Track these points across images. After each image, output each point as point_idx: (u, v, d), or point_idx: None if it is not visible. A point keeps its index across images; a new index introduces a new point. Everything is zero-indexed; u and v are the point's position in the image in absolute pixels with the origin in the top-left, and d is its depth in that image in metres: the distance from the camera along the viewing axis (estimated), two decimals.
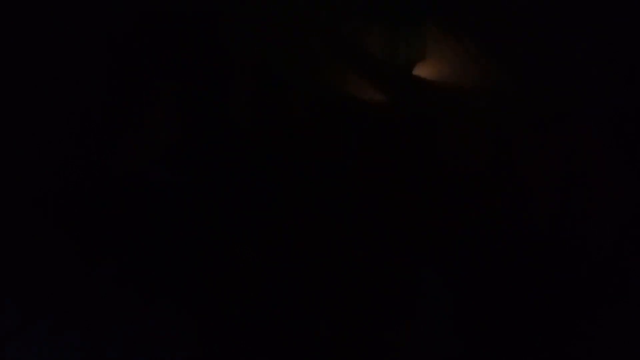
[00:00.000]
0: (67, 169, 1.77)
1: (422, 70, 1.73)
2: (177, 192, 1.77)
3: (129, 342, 1.66)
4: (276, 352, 1.69)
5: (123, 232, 1.75)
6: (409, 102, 1.75)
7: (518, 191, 1.74)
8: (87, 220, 1.76)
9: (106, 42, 1.79)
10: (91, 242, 1.75)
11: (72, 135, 1.78)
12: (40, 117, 1.77)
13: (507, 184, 1.74)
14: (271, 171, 1.77)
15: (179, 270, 1.74)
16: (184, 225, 1.76)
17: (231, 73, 1.80)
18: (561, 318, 1.69)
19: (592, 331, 1.67)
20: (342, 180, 1.76)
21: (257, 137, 1.78)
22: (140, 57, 1.80)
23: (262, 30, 1.78)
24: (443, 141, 1.75)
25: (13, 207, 1.74)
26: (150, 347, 1.66)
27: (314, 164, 1.76)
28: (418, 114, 1.74)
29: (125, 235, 1.75)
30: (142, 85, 1.80)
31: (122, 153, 1.78)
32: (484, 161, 1.75)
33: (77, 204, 1.76)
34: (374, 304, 1.72)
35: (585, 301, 1.69)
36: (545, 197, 1.73)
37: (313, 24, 1.76)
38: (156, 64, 1.80)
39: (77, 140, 1.79)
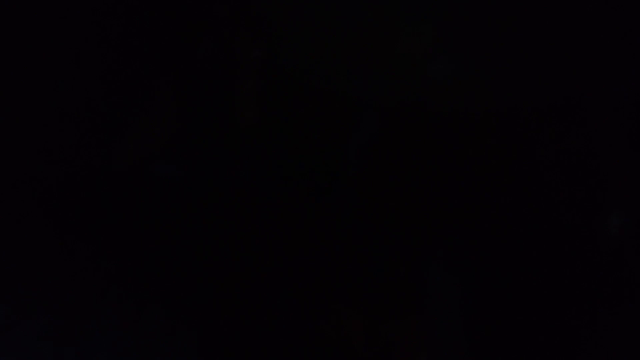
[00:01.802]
0: (65, 164, 1.76)
1: (432, 68, 1.72)
2: (178, 188, 1.76)
3: (125, 344, 1.66)
4: (277, 352, 1.69)
5: (122, 230, 1.74)
6: (418, 98, 1.74)
7: (526, 187, 1.73)
8: (86, 217, 1.75)
9: (106, 37, 1.78)
10: (90, 240, 1.74)
11: (71, 129, 1.77)
12: (39, 113, 1.76)
13: (515, 179, 1.73)
14: (275, 167, 1.76)
15: (179, 270, 1.73)
16: (185, 223, 1.75)
17: (236, 67, 1.79)
18: (571, 317, 1.69)
19: (605, 331, 1.67)
20: (348, 175, 1.75)
21: (262, 133, 1.77)
22: (141, 50, 1.79)
23: (268, 25, 1.77)
24: (450, 136, 1.74)
25: (10, 204, 1.73)
26: (147, 351, 1.66)
27: (320, 160, 1.75)
28: (428, 109, 1.74)
29: (124, 233, 1.74)
30: (144, 80, 1.79)
31: (123, 148, 1.77)
32: (492, 156, 1.74)
33: (76, 201, 1.75)
34: (378, 301, 1.71)
35: (598, 300, 1.68)
36: (553, 192, 1.73)
37: (320, 19, 1.75)
38: (158, 57, 1.79)
39: (77, 135, 1.78)
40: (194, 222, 1.75)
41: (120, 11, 1.77)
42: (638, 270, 1.69)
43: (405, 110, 1.73)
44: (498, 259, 1.71)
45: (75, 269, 1.72)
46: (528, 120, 1.73)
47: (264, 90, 1.79)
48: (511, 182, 1.72)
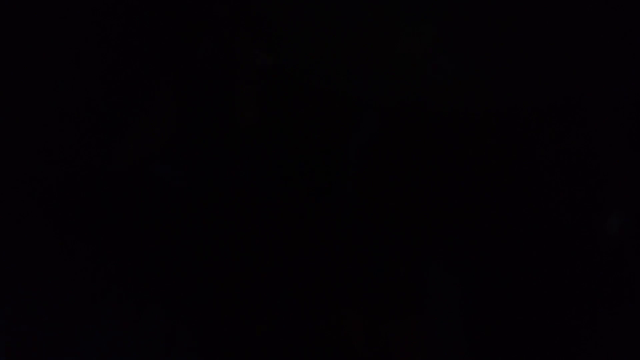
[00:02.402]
0: (65, 164, 1.76)
1: (432, 68, 1.72)
2: (178, 189, 1.75)
3: (125, 344, 1.66)
4: (277, 352, 1.68)
5: (122, 230, 1.74)
6: (418, 98, 1.74)
7: (526, 187, 1.73)
8: (86, 217, 1.75)
9: (106, 37, 1.78)
10: (90, 240, 1.74)
11: (71, 130, 1.77)
12: (39, 113, 1.76)
13: (515, 179, 1.73)
14: (275, 167, 1.76)
15: (179, 271, 1.73)
16: (185, 223, 1.75)
17: (236, 68, 1.79)
18: (571, 317, 1.68)
19: (605, 331, 1.67)
20: (349, 175, 1.75)
21: (262, 133, 1.77)
22: (142, 51, 1.79)
23: (269, 25, 1.77)
24: (451, 136, 1.74)
25: (10, 204, 1.73)
26: (147, 351, 1.65)
27: (320, 160, 1.75)
28: (428, 109, 1.74)
29: (124, 233, 1.74)
30: (144, 80, 1.79)
31: (123, 148, 1.77)
32: (492, 156, 1.74)
33: (75, 201, 1.75)
34: (378, 301, 1.71)
35: (598, 300, 1.68)
36: (553, 192, 1.72)
37: (320, 18, 1.75)
38: (158, 58, 1.79)
39: (77, 135, 1.77)
40: (194, 222, 1.75)
41: (120, 11, 1.77)
42: (638, 270, 1.69)
43: (406, 110, 1.73)
44: (498, 259, 1.71)
45: (75, 268, 1.72)
46: (528, 120, 1.73)
47: (263, 91, 1.78)
48: (511, 182, 1.72)
